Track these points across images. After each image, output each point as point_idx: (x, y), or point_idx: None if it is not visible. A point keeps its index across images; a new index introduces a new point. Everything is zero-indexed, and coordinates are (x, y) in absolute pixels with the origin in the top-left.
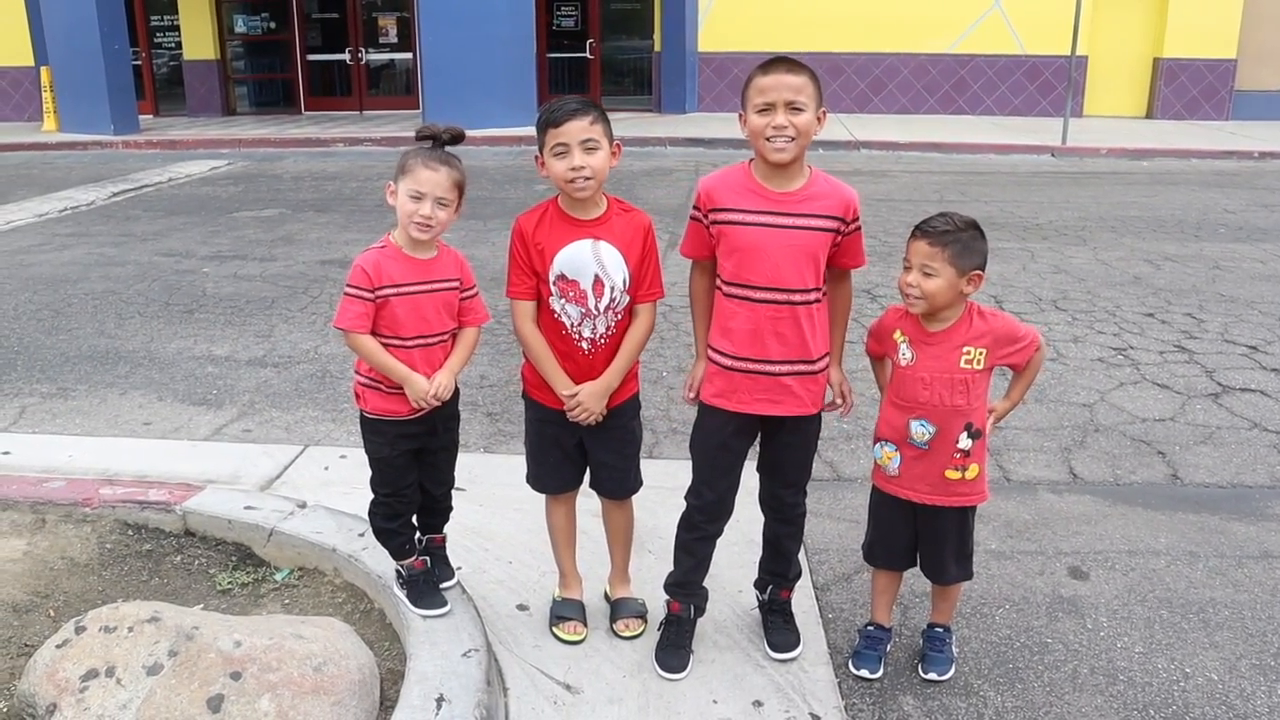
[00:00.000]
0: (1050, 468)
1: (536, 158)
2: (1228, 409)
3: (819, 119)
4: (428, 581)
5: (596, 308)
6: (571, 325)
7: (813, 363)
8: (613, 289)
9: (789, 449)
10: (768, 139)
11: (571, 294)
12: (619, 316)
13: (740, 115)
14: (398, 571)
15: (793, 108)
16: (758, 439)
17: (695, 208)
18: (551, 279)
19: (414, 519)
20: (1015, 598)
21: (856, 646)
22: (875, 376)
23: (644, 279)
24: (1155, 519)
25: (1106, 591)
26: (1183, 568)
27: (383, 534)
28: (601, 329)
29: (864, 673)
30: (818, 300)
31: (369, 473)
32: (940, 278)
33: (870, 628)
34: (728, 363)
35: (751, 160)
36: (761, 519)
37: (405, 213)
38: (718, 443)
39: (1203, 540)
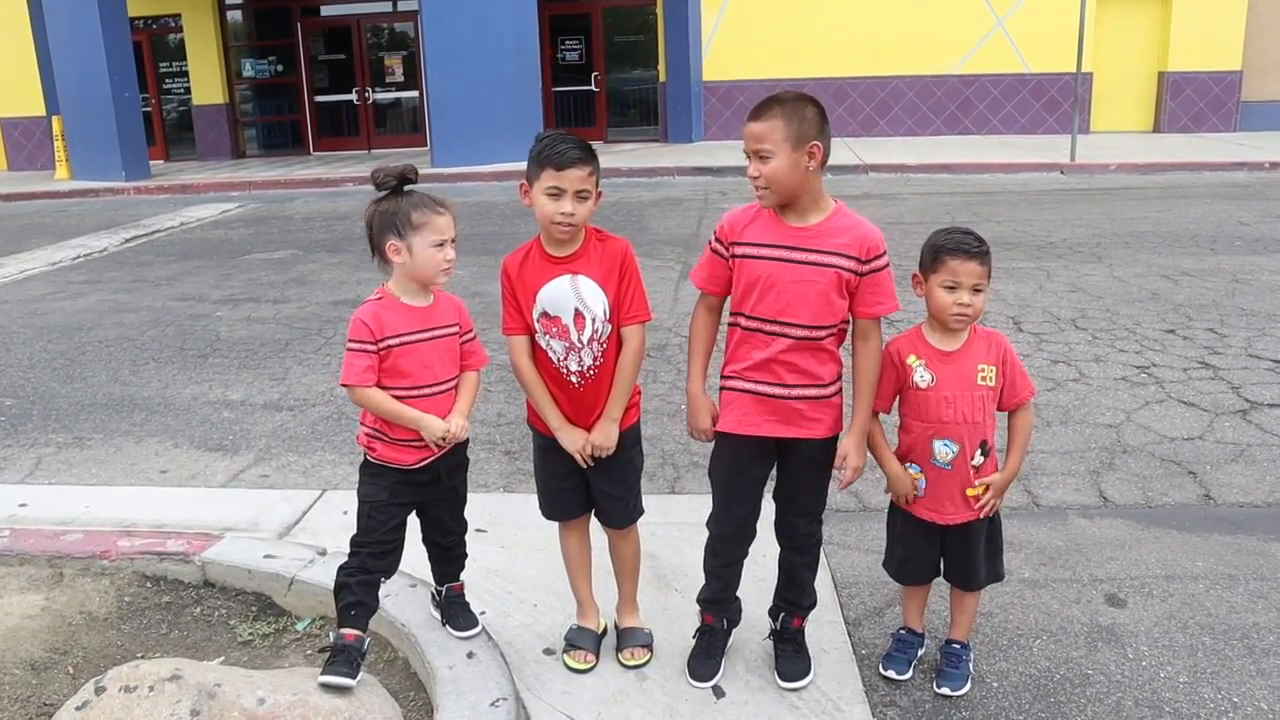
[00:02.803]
0: (1080, 491)
1: (522, 186)
2: (1257, 425)
3: (810, 154)
4: (349, 658)
5: (580, 340)
6: (558, 360)
7: (824, 386)
8: (594, 320)
9: (802, 476)
10: (754, 188)
11: (554, 330)
12: (604, 347)
13: None
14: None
15: (759, 156)
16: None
17: (717, 239)
18: (535, 316)
19: (376, 595)
20: (1053, 628)
21: (888, 649)
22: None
23: (625, 304)
24: (1190, 542)
25: (1146, 619)
26: (1223, 592)
27: (340, 589)
28: (588, 361)
29: (891, 673)
30: (831, 335)
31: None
32: (984, 292)
33: (902, 632)
34: (739, 386)
35: None
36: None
37: (432, 263)
38: (735, 470)
39: (1241, 563)
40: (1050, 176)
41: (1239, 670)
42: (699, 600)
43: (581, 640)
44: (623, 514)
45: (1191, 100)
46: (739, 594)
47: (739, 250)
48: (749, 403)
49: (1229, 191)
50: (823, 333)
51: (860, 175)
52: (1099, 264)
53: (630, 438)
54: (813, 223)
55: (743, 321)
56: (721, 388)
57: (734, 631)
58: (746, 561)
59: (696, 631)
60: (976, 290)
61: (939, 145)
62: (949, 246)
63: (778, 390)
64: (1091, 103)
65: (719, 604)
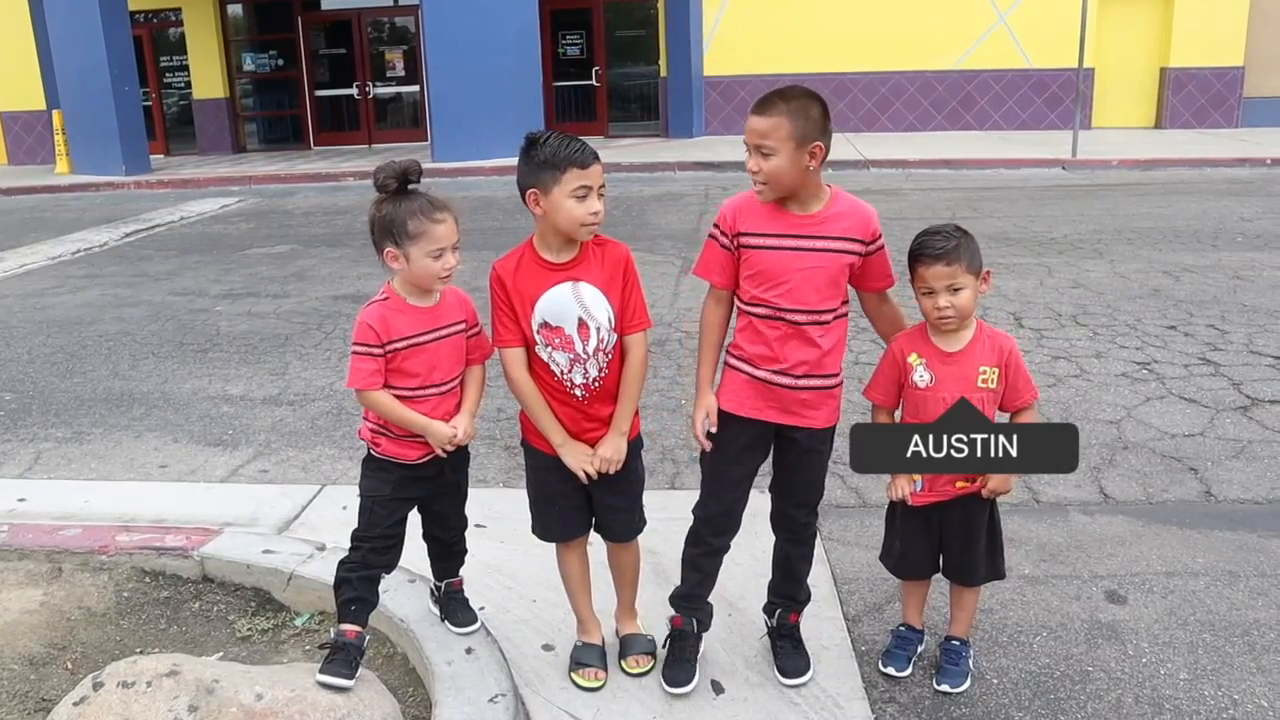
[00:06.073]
0: (1080, 488)
1: (532, 195)
2: (1258, 422)
3: (812, 154)
4: (347, 657)
5: (585, 351)
6: (561, 372)
7: (828, 378)
8: (599, 329)
9: (801, 468)
10: (752, 181)
11: (557, 340)
12: (610, 357)
13: None
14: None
15: (761, 151)
16: (768, 460)
17: (719, 229)
18: (535, 327)
19: (377, 591)
20: (1052, 624)
21: (887, 645)
22: None
23: (628, 312)
24: (1191, 538)
25: (1146, 615)
26: (1223, 589)
27: (340, 584)
28: (594, 373)
29: (891, 670)
30: (837, 318)
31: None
32: (967, 289)
33: (902, 628)
34: (747, 370)
35: None
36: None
37: (429, 273)
38: (728, 456)
39: (1242, 559)
40: (1052, 172)
41: (1239, 667)
42: (672, 598)
43: (588, 657)
44: (627, 527)
45: (1193, 96)
46: (739, 595)
47: (744, 240)
48: (758, 388)
49: (1230, 188)
50: (829, 316)
51: (861, 170)
52: (1100, 260)
53: (634, 448)
54: (815, 210)
55: (753, 309)
56: (726, 364)
57: (731, 630)
58: (744, 559)
59: (666, 639)
60: (955, 290)
61: (940, 140)
62: (916, 252)
63: (785, 381)
64: (1093, 98)
65: (692, 602)
